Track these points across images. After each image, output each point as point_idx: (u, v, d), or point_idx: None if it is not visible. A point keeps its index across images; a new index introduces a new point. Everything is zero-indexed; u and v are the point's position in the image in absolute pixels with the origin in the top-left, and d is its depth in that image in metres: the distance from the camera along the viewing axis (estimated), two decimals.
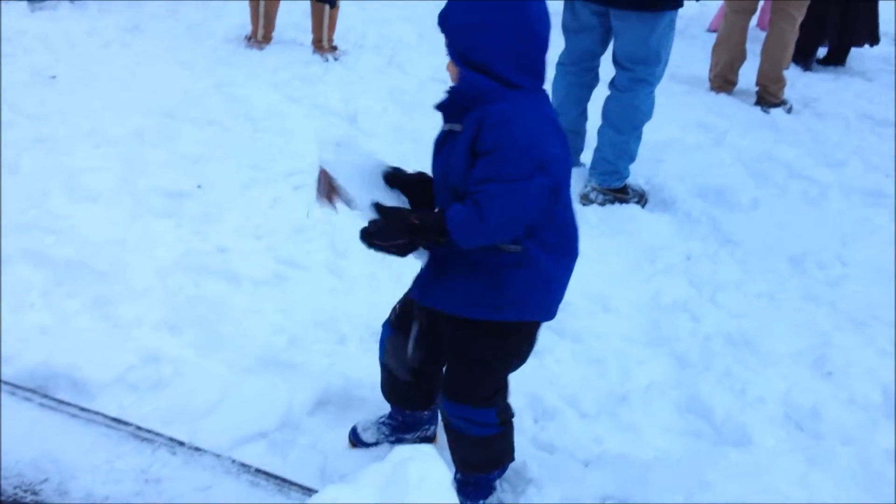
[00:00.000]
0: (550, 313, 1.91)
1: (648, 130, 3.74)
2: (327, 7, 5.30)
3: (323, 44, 5.32)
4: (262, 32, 5.26)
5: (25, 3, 5.38)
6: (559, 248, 1.82)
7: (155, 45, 5.03)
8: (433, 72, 4.90)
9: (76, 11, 5.44)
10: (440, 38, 1.77)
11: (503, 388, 2.00)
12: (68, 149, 3.50)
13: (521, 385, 2.40)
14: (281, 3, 5.35)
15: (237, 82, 4.58)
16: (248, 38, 5.28)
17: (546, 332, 2.68)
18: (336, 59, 5.22)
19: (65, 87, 4.19)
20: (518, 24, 1.69)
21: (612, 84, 3.63)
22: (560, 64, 3.78)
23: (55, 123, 3.72)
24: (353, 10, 6.26)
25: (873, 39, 6.07)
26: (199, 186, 3.37)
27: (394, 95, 4.60)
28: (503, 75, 1.69)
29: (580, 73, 3.75)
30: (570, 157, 1.83)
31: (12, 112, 3.76)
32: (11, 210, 2.99)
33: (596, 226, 3.45)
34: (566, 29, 3.70)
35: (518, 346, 1.93)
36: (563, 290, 1.92)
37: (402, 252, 1.76)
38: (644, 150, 3.79)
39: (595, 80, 3.80)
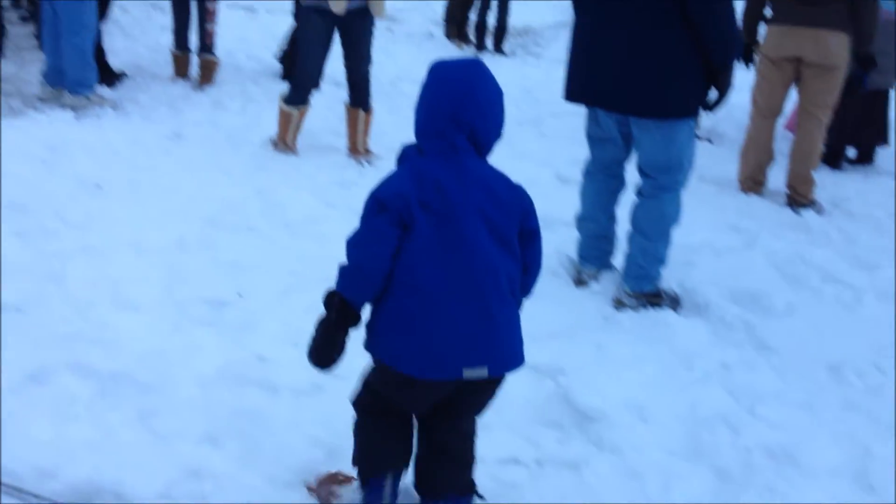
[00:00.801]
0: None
1: (679, 233, 3.78)
2: (362, 111, 5.46)
3: (358, 148, 5.46)
4: (291, 137, 5.39)
5: (71, 111, 5.60)
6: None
7: (195, 152, 5.19)
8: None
9: (120, 119, 5.64)
10: None
11: None
12: (112, 258, 3.59)
13: (560, 500, 2.39)
14: (316, 107, 5.51)
15: (275, 188, 4.70)
16: (275, 143, 5.40)
17: (584, 444, 2.70)
18: (370, 164, 5.35)
19: (109, 196, 4.31)
20: (427, 99, 2.07)
21: (637, 191, 3.69)
22: (586, 172, 3.86)
23: (100, 232, 3.83)
24: (384, 115, 6.45)
25: (881, 139, 6.17)
26: (239, 294, 3.44)
27: None
28: (418, 142, 2.07)
29: (606, 179, 3.82)
30: (428, 195, 1.99)
31: (59, 221, 3.87)
32: (57, 321, 3.06)
33: (630, 331, 3.46)
34: (590, 138, 3.80)
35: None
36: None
37: (337, 336, 2.03)
38: (675, 252, 3.83)
39: (621, 185, 3.87)
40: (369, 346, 2.09)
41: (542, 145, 6.11)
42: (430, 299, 1.98)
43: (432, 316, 1.98)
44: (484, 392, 2.16)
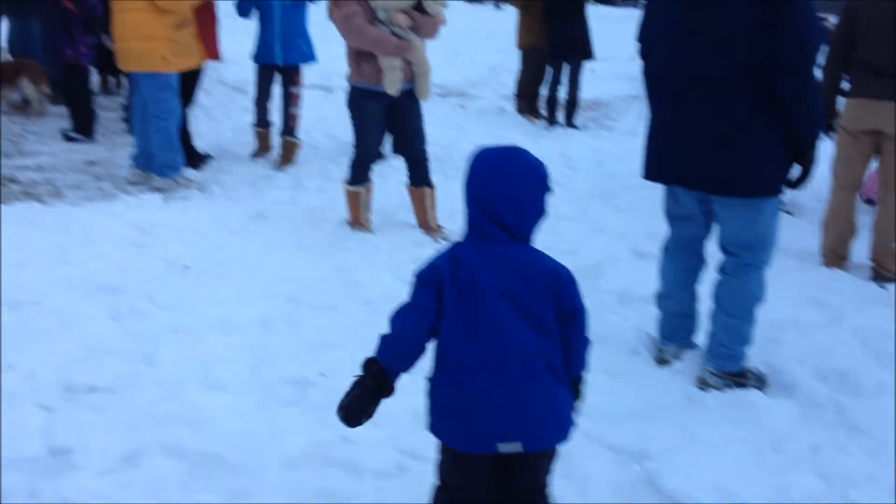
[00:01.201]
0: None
1: (762, 309, 3.72)
2: (426, 188, 5.55)
3: (430, 224, 5.53)
4: (364, 216, 5.50)
5: (160, 193, 5.83)
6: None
7: (277, 231, 5.33)
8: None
9: (205, 200, 5.85)
10: (548, 216, 2.23)
11: None
12: (201, 338, 3.70)
13: None
14: (391, 185, 5.62)
15: (354, 267, 4.79)
16: (352, 223, 5.52)
17: None
18: (446, 240, 5.42)
19: (196, 276, 4.45)
20: (463, 187, 2.21)
21: (720, 269, 3.66)
22: (665, 249, 3.85)
23: (188, 313, 3.95)
24: (458, 191, 6.53)
25: None
26: (322, 374, 3.50)
27: None
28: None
29: (686, 257, 3.79)
30: (458, 275, 2.13)
31: (150, 303, 4.01)
32: (149, 402, 3.15)
33: (715, 412, 3.40)
34: (669, 215, 3.78)
35: None
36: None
37: (369, 403, 2.16)
38: (759, 329, 3.76)
39: (702, 262, 3.84)
40: (427, 424, 2.22)
41: (618, 219, 6.11)
42: (460, 376, 2.11)
43: (464, 392, 2.11)
44: (534, 466, 2.23)
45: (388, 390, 2.18)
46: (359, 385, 2.17)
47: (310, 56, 6.92)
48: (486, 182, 2.14)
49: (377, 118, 5.30)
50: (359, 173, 5.40)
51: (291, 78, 6.88)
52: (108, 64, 8.30)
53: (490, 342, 2.10)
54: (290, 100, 6.93)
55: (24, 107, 8.20)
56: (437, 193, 5.58)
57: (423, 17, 5.26)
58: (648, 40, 3.69)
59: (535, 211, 2.18)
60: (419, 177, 5.53)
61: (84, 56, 7.41)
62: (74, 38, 7.35)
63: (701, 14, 3.35)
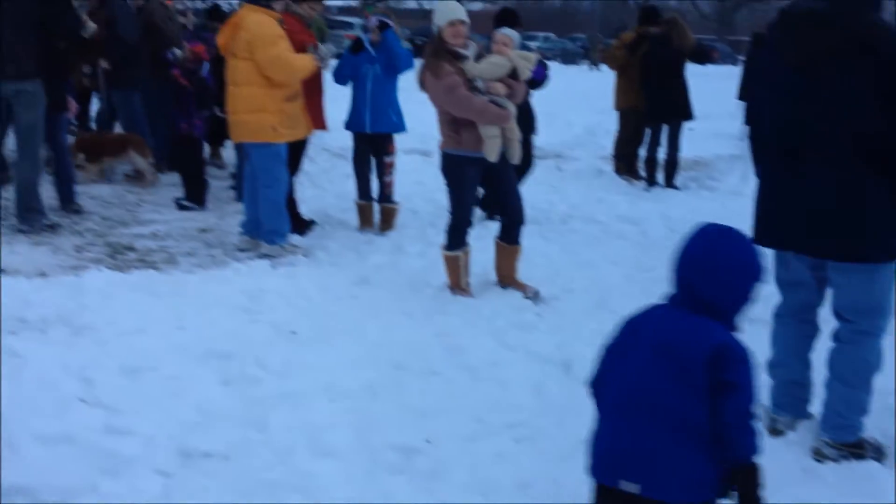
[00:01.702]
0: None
1: (879, 377, 3.59)
2: (517, 246, 5.61)
3: (514, 279, 5.60)
4: (463, 281, 5.55)
5: (267, 260, 6.02)
6: None
7: (380, 296, 5.42)
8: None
9: (311, 266, 6.00)
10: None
11: None
12: (309, 404, 3.78)
13: None
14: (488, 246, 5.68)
15: (455, 331, 4.82)
16: (452, 288, 5.57)
17: None
18: (534, 298, 5.42)
19: (303, 342, 4.56)
20: None
21: (835, 336, 3.55)
22: (777, 315, 3.76)
23: (297, 378, 4.04)
24: (557, 254, 6.54)
25: None
26: (427, 441, 3.52)
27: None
28: None
29: (798, 324, 3.70)
30: (633, 327, 2.39)
31: (259, 368, 4.12)
32: (261, 467, 3.23)
33: (833, 485, 3.27)
34: (780, 282, 3.70)
35: None
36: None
37: None
38: (876, 398, 3.62)
39: (815, 330, 3.73)
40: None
41: None
42: (605, 416, 2.36)
43: (605, 430, 2.34)
44: None
45: None
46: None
47: (398, 125, 7.04)
48: (684, 252, 2.34)
49: (474, 184, 5.40)
50: (456, 238, 5.48)
51: (383, 147, 7.02)
52: (218, 135, 8.67)
53: (630, 389, 2.28)
54: (382, 168, 7.07)
55: (137, 178, 8.62)
56: (529, 254, 5.66)
57: (517, 84, 5.37)
58: (756, 102, 3.67)
59: (740, 296, 2.32)
60: (513, 236, 5.60)
61: (197, 128, 7.76)
62: (188, 111, 7.71)
63: (817, 77, 3.31)
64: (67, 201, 7.16)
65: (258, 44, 5.89)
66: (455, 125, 5.30)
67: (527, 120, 7.06)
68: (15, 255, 5.87)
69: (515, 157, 5.46)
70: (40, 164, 6.63)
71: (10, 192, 6.69)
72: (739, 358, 2.21)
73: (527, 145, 6.80)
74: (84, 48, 8.07)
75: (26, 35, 6.20)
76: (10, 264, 5.60)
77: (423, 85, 5.40)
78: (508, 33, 5.59)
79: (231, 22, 6.18)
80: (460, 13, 5.33)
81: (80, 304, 4.74)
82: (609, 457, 2.29)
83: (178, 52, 7.90)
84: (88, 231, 6.72)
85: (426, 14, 54.08)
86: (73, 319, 4.55)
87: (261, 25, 5.94)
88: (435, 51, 5.33)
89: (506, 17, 7.08)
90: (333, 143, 10.37)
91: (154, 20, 9.11)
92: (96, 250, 6.22)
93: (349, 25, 29.97)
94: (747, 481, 2.24)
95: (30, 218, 6.46)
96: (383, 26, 6.86)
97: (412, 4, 55.81)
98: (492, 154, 5.24)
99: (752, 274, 2.30)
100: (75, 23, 6.74)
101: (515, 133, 5.40)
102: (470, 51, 5.35)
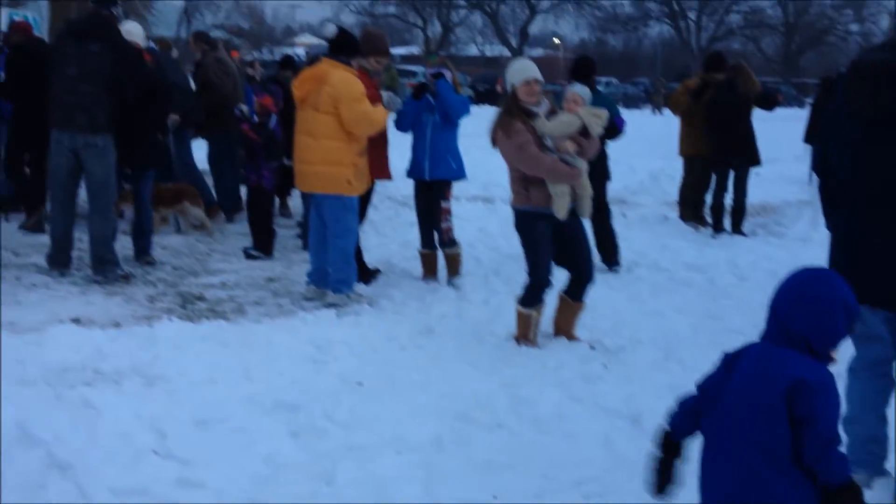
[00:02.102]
0: None
1: None
2: (581, 303, 5.61)
3: (571, 334, 5.60)
4: (532, 335, 5.52)
5: (333, 309, 6.08)
6: None
7: (445, 346, 5.43)
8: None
9: (376, 316, 6.04)
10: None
11: None
12: (376, 457, 3.79)
13: None
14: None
15: (521, 382, 4.80)
16: (517, 339, 5.54)
17: None
18: (593, 348, 5.41)
19: (369, 392, 4.58)
20: None
21: None
22: (851, 370, 3.67)
23: (364, 430, 4.06)
24: (622, 302, 6.49)
25: None
26: (494, 497, 3.49)
27: (676, 394, 4.59)
28: None
29: (873, 378, 3.62)
30: (730, 362, 2.55)
31: (327, 420, 4.15)
32: None
33: None
34: (855, 336, 3.60)
35: None
36: None
37: None
38: None
39: (891, 384, 3.63)
40: None
41: None
42: (705, 447, 2.52)
43: (701, 463, 2.51)
44: None
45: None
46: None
47: (457, 172, 7.07)
48: (781, 287, 2.47)
49: (548, 240, 5.41)
50: (533, 296, 5.47)
51: (441, 192, 7.05)
52: (285, 185, 8.84)
53: (716, 423, 2.46)
54: (440, 215, 7.09)
55: (200, 226, 8.82)
56: (593, 303, 5.67)
57: (587, 141, 5.38)
58: (826, 153, 3.62)
59: (830, 328, 2.42)
60: (579, 292, 5.59)
61: (266, 180, 7.92)
62: (257, 163, 7.88)
63: (890, 128, 3.26)
64: (142, 252, 7.35)
65: (345, 100, 6.04)
66: (525, 182, 5.34)
67: (601, 170, 7.12)
68: (90, 305, 6.04)
69: (586, 211, 5.47)
70: (112, 217, 6.81)
71: (85, 243, 6.89)
72: (815, 391, 2.30)
73: (600, 193, 6.89)
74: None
75: (100, 89, 6.44)
76: (85, 314, 5.77)
77: (494, 142, 5.45)
78: (579, 91, 5.62)
79: (312, 75, 6.25)
80: (533, 72, 5.39)
81: (153, 355, 4.84)
82: (705, 488, 2.47)
83: (244, 108, 8.11)
84: (160, 281, 6.88)
85: (488, 61, 54.70)
86: (146, 370, 4.65)
87: (347, 83, 6.10)
88: (507, 108, 5.39)
89: (582, 68, 7.16)
90: (397, 192, 10.49)
91: (209, 76, 9.41)
92: (168, 300, 6.35)
93: (412, 74, 30.40)
94: (845, 501, 2.37)
95: (104, 269, 6.64)
96: (437, 76, 6.96)
97: (474, 51, 56.56)
98: (560, 211, 5.26)
99: (843, 306, 2.41)
100: (149, 77, 6.98)
101: (587, 189, 5.42)
102: (542, 108, 5.40)
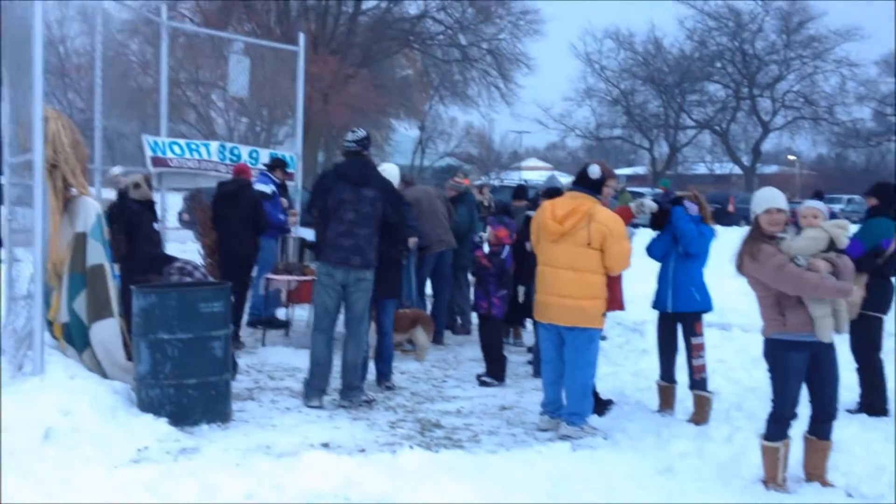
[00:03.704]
0: None
1: None
2: (828, 442, 5.27)
3: (824, 479, 5.21)
4: (780, 476, 5.20)
5: (568, 442, 6.03)
6: None
7: (686, 487, 5.24)
8: None
9: (610, 450, 5.94)
10: None
11: None
12: None
13: None
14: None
15: None
16: (766, 482, 5.23)
17: None
18: (850, 496, 5.03)
19: None
20: None
21: None
22: None
23: None
24: (880, 443, 6.00)
25: None
26: None
27: None
28: None
29: None
30: None
31: None
32: None
33: None
34: None
35: None
36: None
37: None
38: None
39: None
40: None
41: None
42: None
43: None
44: None
45: None
46: None
47: (702, 304, 6.83)
48: None
49: (800, 372, 5.16)
50: (778, 429, 5.23)
51: (690, 326, 6.86)
52: (520, 314, 9.02)
53: None
54: (690, 350, 6.87)
55: (415, 351, 9.11)
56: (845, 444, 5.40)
57: (841, 260, 5.13)
58: None
59: None
60: (825, 431, 5.30)
61: (496, 308, 8.12)
62: (489, 291, 8.12)
63: None
64: (384, 378, 7.70)
65: (616, 237, 6.22)
66: (780, 307, 5.16)
67: (879, 300, 6.83)
68: (337, 430, 6.36)
69: (844, 327, 5.23)
70: (364, 345, 7.20)
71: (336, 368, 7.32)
72: None
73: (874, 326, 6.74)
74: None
75: (373, 231, 6.94)
76: (334, 439, 6.08)
77: (740, 269, 5.32)
78: (815, 205, 5.44)
79: (577, 211, 6.29)
80: (779, 202, 5.28)
81: (396, 485, 4.99)
82: None
83: (483, 235, 8.43)
84: (400, 407, 7.14)
85: (718, 179, 53.52)
86: (390, 499, 4.80)
87: (615, 220, 6.30)
88: (752, 236, 5.29)
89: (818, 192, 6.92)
90: (627, 318, 10.38)
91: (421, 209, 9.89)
92: (408, 426, 6.57)
93: (640, 195, 30.36)
94: None
95: (350, 394, 7.01)
96: (676, 202, 6.88)
97: (702, 170, 55.75)
98: (824, 334, 5.07)
99: None
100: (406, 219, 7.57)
101: (844, 305, 5.17)
102: (788, 234, 5.25)
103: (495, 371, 8.09)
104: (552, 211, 6.40)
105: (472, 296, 10.40)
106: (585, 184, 6.43)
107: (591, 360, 6.33)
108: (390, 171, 7.99)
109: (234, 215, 9.21)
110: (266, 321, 9.87)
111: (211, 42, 13.33)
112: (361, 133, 7.18)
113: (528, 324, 9.44)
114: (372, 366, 7.76)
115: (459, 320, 10.57)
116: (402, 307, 8.86)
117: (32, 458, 5.17)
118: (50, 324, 6.76)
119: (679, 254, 6.81)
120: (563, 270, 6.29)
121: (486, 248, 8.30)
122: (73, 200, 6.84)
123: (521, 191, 12.37)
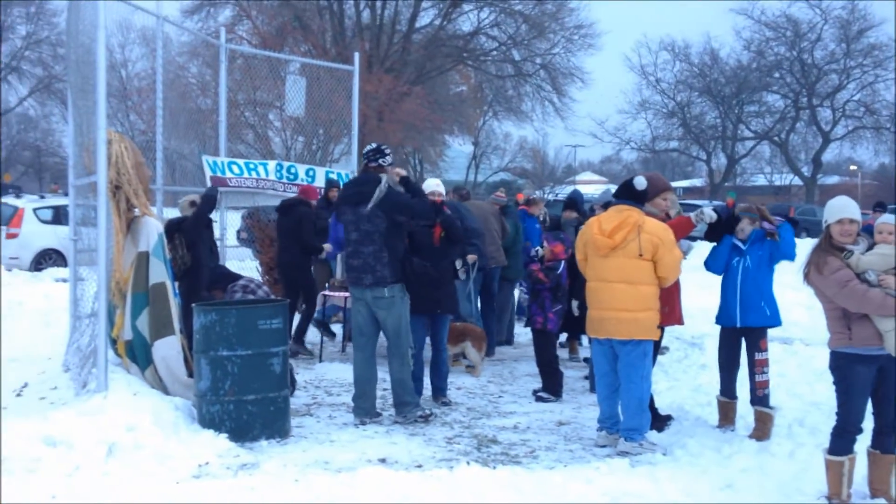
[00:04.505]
0: None
1: None
2: (893, 455, 5.14)
3: (890, 494, 5.03)
4: (845, 493, 5.08)
5: (626, 458, 5.97)
6: None
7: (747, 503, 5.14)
8: None
9: (670, 467, 5.84)
10: None
11: None
12: None
13: None
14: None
15: None
16: (830, 498, 5.12)
17: None
18: None
19: None
20: None
21: None
22: None
23: None
24: None
25: None
26: None
27: None
28: None
29: None
30: None
31: None
32: None
33: None
34: None
35: None
36: None
37: None
38: None
39: None
40: None
41: None
42: None
43: None
44: None
45: None
46: None
47: (771, 319, 6.69)
48: None
49: (866, 385, 5.06)
50: (843, 443, 5.12)
51: (755, 342, 6.71)
52: (575, 329, 8.95)
53: None
54: (754, 366, 6.72)
55: (468, 367, 9.10)
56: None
57: None
58: None
59: None
60: (888, 444, 5.18)
61: (552, 322, 8.09)
62: (544, 305, 8.09)
63: None
64: (439, 393, 7.72)
65: (667, 247, 6.20)
66: (846, 321, 5.06)
67: None
68: (394, 445, 6.39)
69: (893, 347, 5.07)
70: (408, 361, 7.16)
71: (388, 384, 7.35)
72: None
73: None
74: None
75: (378, 246, 6.90)
76: (390, 455, 6.10)
77: (807, 279, 5.23)
78: (889, 220, 5.31)
79: (626, 223, 6.25)
80: (849, 212, 5.16)
81: (453, 501, 4.99)
82: None
83: (539, 249, 8.41)
84: (456, 422, 7.14)
85: (778, 190, 52.46)
86: None
87: (665, 230, 6.28)
88: (821, 246, 5.20)
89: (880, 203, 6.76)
90: (685, 332, 10.23)
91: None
92: (464, 442, 6.56)
93: (695, 208, 30.00)
94: None
95: (404, 410, 7.03)
96: (733, 216, 6.77)
97: (762, 181, 54.87)
98: (892, 347, 4.95)
99: None
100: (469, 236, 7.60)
101: None
102: (859, 247, 5.14)
103: (552, 386, 8.05)
104: (599, 226, 6.36)
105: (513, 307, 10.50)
106: (629, 195, 6.39)
107: (645, 374, 6.27)
108: (431, 185, 8.09)
109: (287, 233, 9.55)
110: (324, 324, 10.48)
111: (268, 63, 13.52)
112: (371, 146, 7.23)
113: (584, 339, 9.37)
114: (427, 381, 7.78)
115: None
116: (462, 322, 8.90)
117: (97, 473, 5.29)
118: (114, 341, 6.92)
119: (746, 267, 6.67)
120: (616, 284, 6.24)
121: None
122: (136, 220, 7.01)
123: (570, 202, 11.97)
